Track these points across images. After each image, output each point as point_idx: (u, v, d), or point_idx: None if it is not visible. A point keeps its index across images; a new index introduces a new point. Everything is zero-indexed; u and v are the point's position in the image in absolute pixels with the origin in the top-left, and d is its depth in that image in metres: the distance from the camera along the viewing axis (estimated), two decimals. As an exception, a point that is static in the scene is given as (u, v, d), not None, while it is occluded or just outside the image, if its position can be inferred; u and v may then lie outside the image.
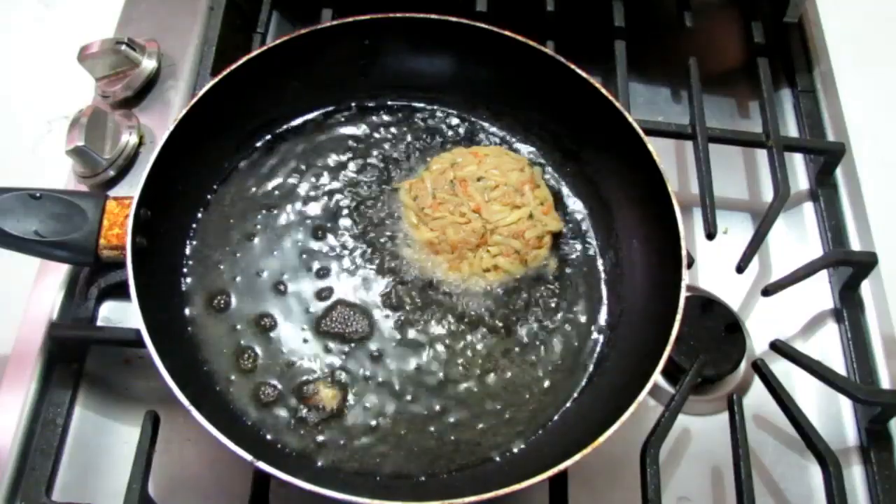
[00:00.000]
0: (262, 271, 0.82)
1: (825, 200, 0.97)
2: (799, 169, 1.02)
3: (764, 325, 0.89)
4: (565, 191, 0.91)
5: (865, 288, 0.90)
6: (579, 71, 0.84)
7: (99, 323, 0.84)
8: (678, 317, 0.72)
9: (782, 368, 0.82)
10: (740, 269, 0.88)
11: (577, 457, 0.66)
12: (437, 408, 0.77)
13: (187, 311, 0.79)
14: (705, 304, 0.87)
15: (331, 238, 0.85)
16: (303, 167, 0.89)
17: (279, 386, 0.77)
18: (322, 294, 0.82)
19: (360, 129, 0.92)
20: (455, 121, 0.93)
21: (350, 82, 0.91)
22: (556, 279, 0.85)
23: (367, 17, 0.86)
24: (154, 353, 0.67)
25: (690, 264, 0.84)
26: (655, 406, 0.84)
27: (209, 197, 0.86)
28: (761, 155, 0.98)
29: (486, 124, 0.93)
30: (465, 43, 0.87)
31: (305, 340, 0.79)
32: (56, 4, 1.08)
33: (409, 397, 0.78)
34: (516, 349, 0.81)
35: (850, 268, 0.90)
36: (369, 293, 0.82)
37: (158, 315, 0.71)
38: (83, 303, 0.84)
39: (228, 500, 0.76)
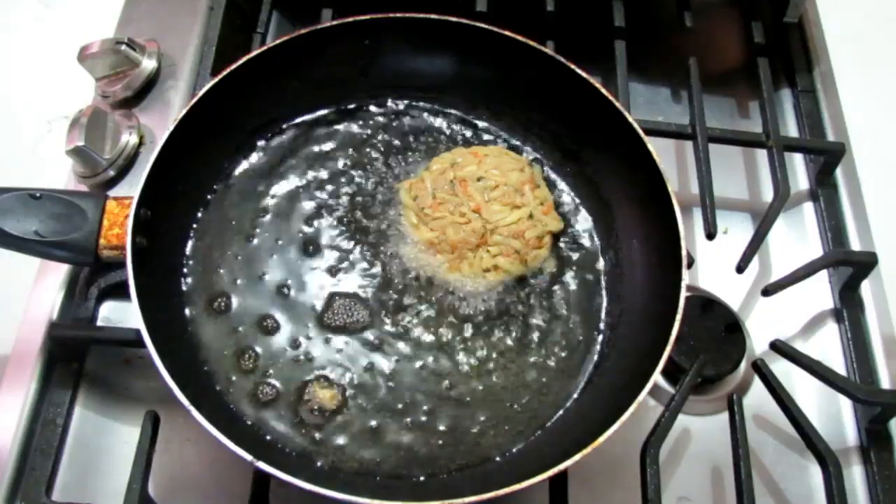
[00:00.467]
0: (263, 271, 0.82)
1: (825, 200, 0.97)
2: (799, 169, 1.02)
3: (764, 325, 0.89)
4: (565, 191, 0.91)
5: (865, 288, 0.90)
6: (579, 71, 0.84)
7: (99, 323, 0.84)
8: (678, 317, 0.72)
9: (782, 368, 0.82)
10: (740, 269, 0.88)
11: (577, 457, 0.66)
12: (437, 408, 0.77)
13: (187, 311, 0.79)
14: (705, 304, 0.87)
15: (331, 238, 0.85)
16: (303, 167, 0.89)
17: (279, 386, 0.77)
18: (322, 294, 0.82)
19: (360, 129, 0.92)
20: (455, 121, 0.93)
21: (350, 82, 0.91)
22: (555, 279, 0.85)
23: (367, 17, 0.86)
24: (154, 353, 0.67)
25: (690, 264, 0.84)
26: (655, 406, 0.84)
27: (209, 197, 0.86)
28: (761, 155, 0.98)
29: (486, 124, 0.93)
30: (465, 43, 0.87)
31: (309, 337, 0.79)
32: (56, 4, 1.07)
33: (408, 397, 0.78)
34: (516, 349, 0.81)
35: (850, 268, 0.90)
36: (369, 293, 0.82)
37: (158, 315, 0.71)
38: (83, 303, 0.84)
39: (228, 500, 0.76)
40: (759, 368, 0.81)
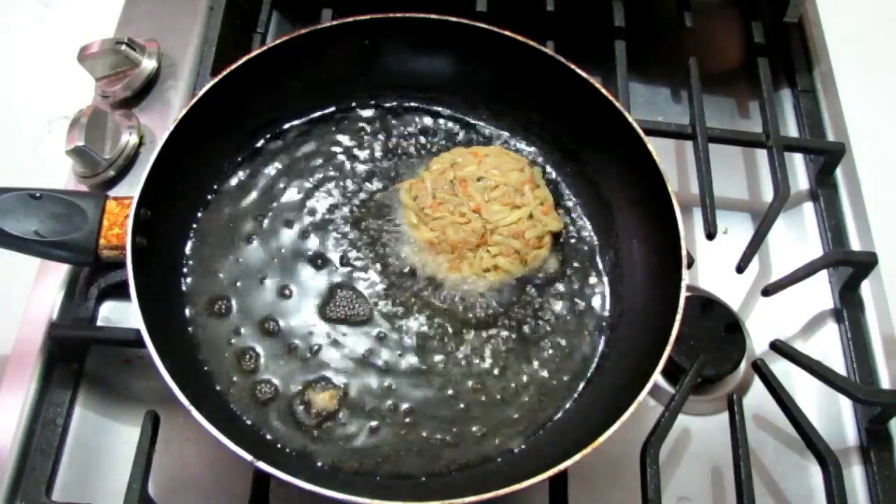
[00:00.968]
0: (263, 272, 0.82)
1: (825, 200, 0.97)
2: (799, 169, 1.02)
3: (764, 325, 0.89)
4: (565, 191, 0.91)
5: (865, 288, 0.90)
6: (579, 71, 0.84)
7: (99, 323, 0.84)
8: (678, 317, 0.72)
9: (782, 368, 0.82)
10: (740, 269, 0.88)
11: (577, 457, 0.66)
12: (437, 408, 0.77)
13: (187, 312, 0.79)
14: (705, 304, 0.87)
15: (330, 238, 0.85)
16: (302, 167, 0.89)
17: (279, 385, 0.77)
18: (323, 289, 0.82)
19: (359, 129, 0.92)
20: (455, 121, 0.93)
21: (350, 82, 0.91)
22: (555, 279, 0.85)
23: (367, 17, 0.86)
24: (154, 353, 0.67)
25: (690, 264, 0.84)
26: (655, 406, 0.84)
27: (209, 197, 0.86)
28: (761, 155, 0.98)
29: (486, 124, 0.93)
30: (465, 43, 0.87)
31: (310, 335, 0.79)
32: (56, 4, 1.07)
33: (408, 397, 0.78)
34: (516, 349, 0.81)
35: (850, 268, 0.90)
36: (369, 293, 0.82)
37: (158, 315, 0.71)
38: (83, 303, 0.84)
39: (228, 500, 0.76)
40: (759, 368, 0.81)
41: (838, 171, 0.98)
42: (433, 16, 0.86)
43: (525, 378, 0.80)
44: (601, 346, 0.82)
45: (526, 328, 0.82)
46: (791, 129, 1.05)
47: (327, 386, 0.77)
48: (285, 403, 0.76)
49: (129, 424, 0.79)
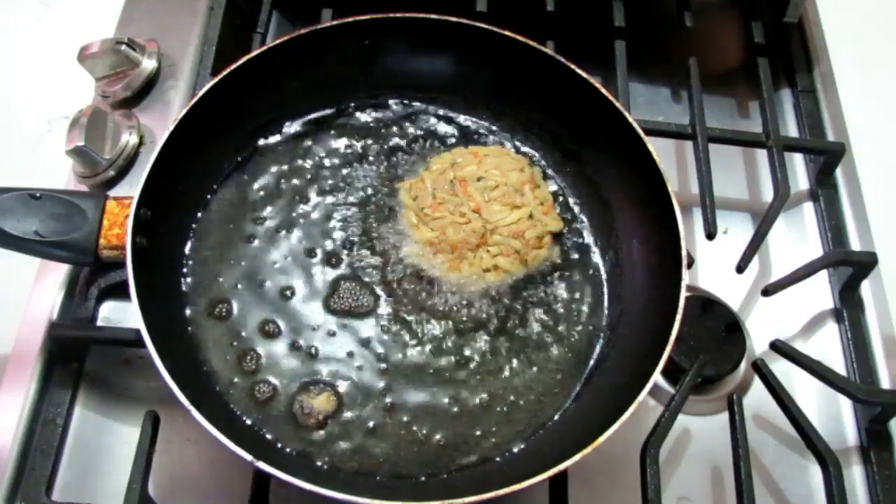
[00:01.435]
0: (263, 273, 0.82)
1: (825, 200, 0.97)
2: (799, 169, 1.02)
3: (764, 325, 0.89)
4: (565, 191, 0.91)
5: (865, 288, 0.90)
6: (579, 71, 0.84)
7: (99, 323, 0.84)
8: (678, 317, 0.72)
9: (782, 368, 0.82)
10: (740, 269, 0.88)
11: (577, 457, 0.66)
12: (437, 408, 0.77)
13: (187, 311, 0.79)
14: (705, 304, 0.87)
15: (330, 238, 0.85)
16: (303, 167, 0.89)
17: (278, 386, 0.77)
18: (323, 292, 0.82)
19: (360, 129, 0.92)
20: (455, 121, 0.93)
21: (350, 82, 0.91)
22: (555, 279, 0.85)
23: (367, 17, 0.86)
24: (154, 353, 0.67)
25: (690, 264, 0.84)
26: (655, 406, 0.84)
27: (209, 197, 0.86)
28: (761, 155, 0.98)
29: (486, 124, 0.93)
30: (465, 43, 0.87)
31: (311, 332, 0.79)
32: (56, 4, 1.08)
33: (408, 397, 0.78)
34: (516, 349, 0.81)
35: (850, 268, 0.90)
36: (369, 293, 0.82)
37: (158, 315, 0.71)
38: (83, 303, 0.84)
39: (228, 500, 0.76)
40: (759, 368, 0.81)
41: (838, 171, 0.98)
42: (433, 16, 0.86)
43: (525, 378, 0.80)
44: (601, 346, 0.82)
45: (526, 328, 0.82)
46: (791, 129, 1.05)
47: (327, 386, 0.77)
48: (285, 403, 0.76)
49: (129, 424, 0.79)
